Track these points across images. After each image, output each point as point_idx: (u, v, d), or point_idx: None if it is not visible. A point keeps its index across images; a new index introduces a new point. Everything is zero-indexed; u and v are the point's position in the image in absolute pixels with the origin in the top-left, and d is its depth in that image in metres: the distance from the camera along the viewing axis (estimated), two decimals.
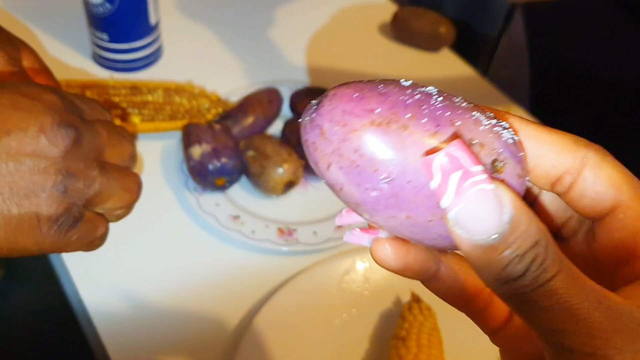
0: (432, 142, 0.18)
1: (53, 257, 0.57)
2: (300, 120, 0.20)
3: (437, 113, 0.19)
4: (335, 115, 0.19)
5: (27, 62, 0.41)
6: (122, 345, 0.50)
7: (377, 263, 0.22)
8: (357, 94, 0.20)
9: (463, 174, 0.17)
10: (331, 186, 0.20)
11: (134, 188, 0.36)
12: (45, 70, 0.42)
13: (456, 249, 0.20)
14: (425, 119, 0.19)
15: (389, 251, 0.21)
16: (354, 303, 0.53)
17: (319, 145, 0.19)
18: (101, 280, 0.54)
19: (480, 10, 0.96)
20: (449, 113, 0.19)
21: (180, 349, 0.50)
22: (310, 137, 0.19)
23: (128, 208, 0.36)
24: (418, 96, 0.19)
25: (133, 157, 0.37)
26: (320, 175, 0.20)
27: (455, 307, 0.23)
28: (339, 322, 0.52)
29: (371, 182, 0.19)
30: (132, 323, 0.51)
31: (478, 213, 0.18)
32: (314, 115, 0.19)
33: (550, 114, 0.74)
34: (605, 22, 0.77)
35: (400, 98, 0.19)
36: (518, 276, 0.18)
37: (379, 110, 0.19)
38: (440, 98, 0.19)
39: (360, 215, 0.20)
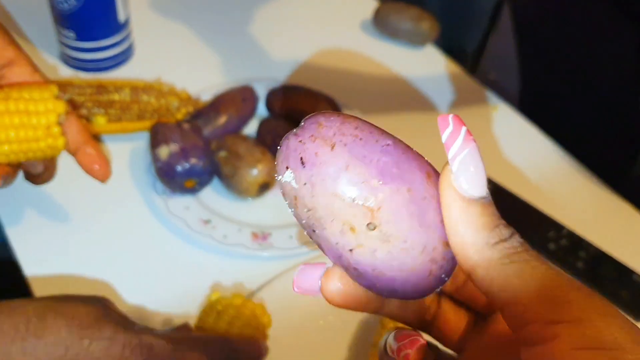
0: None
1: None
2: (285, 137, 0.22)
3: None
4: (326, 114, 0.22)
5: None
6: None
7: (326, 298, 0.23)
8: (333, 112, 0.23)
9: (467, 133, 0.21)
10: (334, 173, 0.21)
11: None
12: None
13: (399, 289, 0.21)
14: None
15: (339, 285, 0.22)
16: (332, 310, 0.50)
17: (318, 134, 0.21)
18: (63, 288, 0.50)
19: (465, 7, 0.94)
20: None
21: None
22: (306, 133, 0.22)
23: None
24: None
25: None
26: (318, 169, 0.21)
27: (411, 327, 0.25)
28: (315, 329, 0.49)
29: (375, 150, 0.21)
30: None
31: (472, 170, 0.20)
32: (299, 127, 0.22)
33: (539, 113, 0.72)
34: (595, 18, 0.75)
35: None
36: (508, 237, 0.20)
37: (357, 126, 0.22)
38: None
39: (360, 211, 0.21)
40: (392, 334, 0.24)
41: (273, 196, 0.59)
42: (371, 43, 0.78)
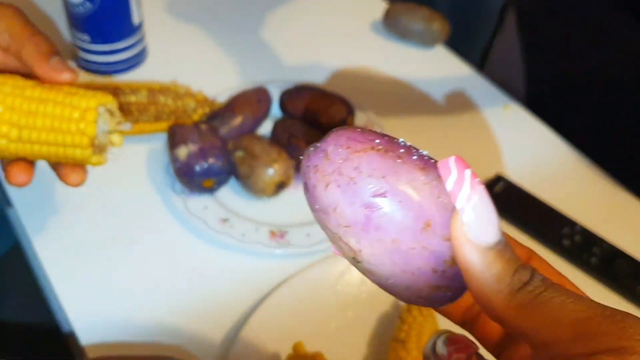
0: (421, 175, 0.21)
1: (38, 271, 0.55)
2: (301, 157, 0.23)
3: (424, 157, 0.22)
4: (340, 141, 0.22)
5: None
6: (108, 352, 0.47)
7: None
8: (359, 129, 0.23)
9: (472, 176, 0.20)
10: (324, 209, 0.22)
11: None
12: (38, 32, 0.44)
13: (429, 292, 0.21)
14: (416, 157, 0.22)
15: None
16: (351, 306, 0.51)
17: (321, 166, 0.22)
18: (85, 287, 0.51)
19: (475, 7, 0.95)
20: (433, 161, 0.22)
21: (172, 351, 0.47)
22: (312, 162, 0.22)
23: None
24: (408, 143, 0.22)
25: None
26: (314, 200, 0.22)
27: (453, 321, 0.25)
28: (334, 326, 0.50)
29: (364, 198, 0.21)
30: (116, 329, 0.49)
31: (484, 216, 0.20)
32: (318, 144, 0.22)
33: (546, 113, 0.72)
34: (600, 16, 0.76)
35: (395, 140, 0.22)
36: (529, 279, 0.20)
37: (378, 141, 0.22)
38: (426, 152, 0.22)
39: (346, 245, 0.22)
40: (442, 338, 0.23)
41: (289, 195, 0.60)
42: (382, 43, 0.78)
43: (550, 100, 0.84)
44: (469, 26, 0.91)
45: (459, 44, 0.79)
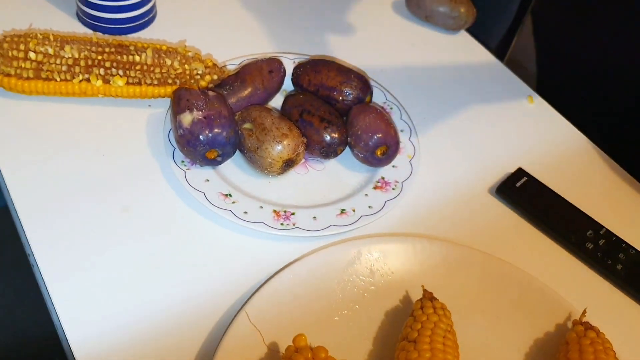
0: None
1: (23, 237, 0.50)
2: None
3: None
4: None
5: None
6: (104, 329, 0.43)
7: None
8: None
9: None
10: None
11: None
12: None
13: None
14: None
15: None
16: (357, 299, 0.47)
17: None
18: (80, 261, 0.47)
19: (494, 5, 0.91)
20: None
21: (162, 336, 0.44)
22: None
23: None
24: None
25: None
26: None
27: None
28: (338, 319, 0.46)
29: None
30: (112, 309, 0.45)
31: None
32: None
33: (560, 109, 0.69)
34: (614, 13, 0.72)
35: None
36: None
37: None
38: None
39: None
40: None
41: (297, 175, 0.56)
42: (404, 25, 0.74)
43: (564, 97, 0.80)
44: (488, 15, 0.87)
45: (478, 32, 0.74)
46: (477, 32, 0.74)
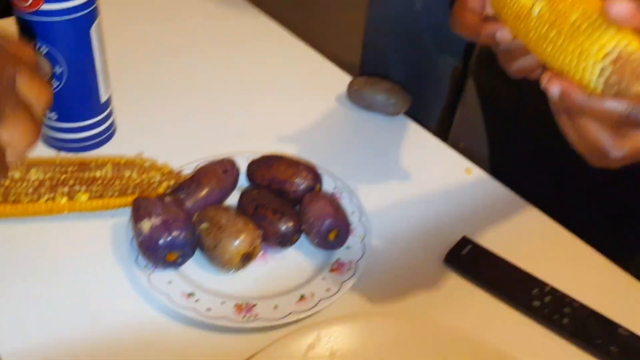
0: None
1: None
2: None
3: None
4: None
5: None
6: None
7: None
8: None
9: None
10: None
11: (31, 133, 0.35)
12: None
13: None
14: None
15: None
16: None
17: None
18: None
19: (427, 76, 0.99)
20: None
21: None
22: None
23: (18, 151, 0.35)
24: None
25: (47, 104, 0.36)
26: None
27: None
28: None
29: None
30: None
31: None
32: None
33: (511, 178, 0.74)
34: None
35: None
36: None
37: None
38: None
39: None
40: None
41: (256, 267, 0.59)
42: (347, 114, 0.80)
43: (515, 170, 0.85)
44: (424, 95, 0.95)
45: (416, 112, 0.81)
46: (415, 113, 0.81)
